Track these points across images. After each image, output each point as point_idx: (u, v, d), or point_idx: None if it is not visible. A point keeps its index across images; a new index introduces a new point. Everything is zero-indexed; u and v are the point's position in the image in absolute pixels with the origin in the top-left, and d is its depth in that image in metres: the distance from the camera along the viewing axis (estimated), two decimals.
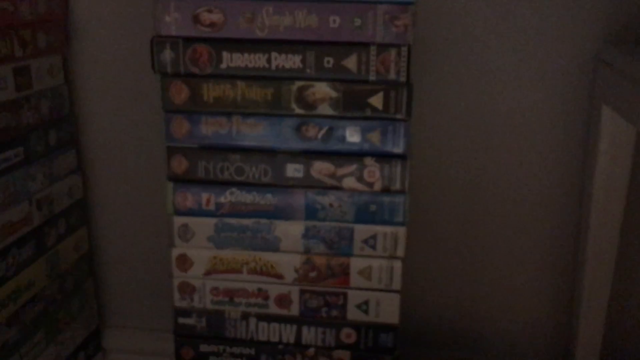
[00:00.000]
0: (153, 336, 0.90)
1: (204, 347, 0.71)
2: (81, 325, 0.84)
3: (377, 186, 0.64)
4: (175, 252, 0.68)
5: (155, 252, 0.87)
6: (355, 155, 0.64)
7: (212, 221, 0.67)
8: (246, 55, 0.61)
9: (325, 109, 0.62)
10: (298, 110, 0.63)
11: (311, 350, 0.69)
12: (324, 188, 0.65)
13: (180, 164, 0.66)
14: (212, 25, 0.61)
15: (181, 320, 0.70)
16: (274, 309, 0.69)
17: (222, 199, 0.66)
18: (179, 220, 0.67)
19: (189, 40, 0.61)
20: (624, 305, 0.81)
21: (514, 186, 0.79)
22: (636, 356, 0.83)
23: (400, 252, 0.66)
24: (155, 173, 0.83)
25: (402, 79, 0.61)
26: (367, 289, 0.67)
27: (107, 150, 0.84)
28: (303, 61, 0.61)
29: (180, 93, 0.63)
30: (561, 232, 0.80)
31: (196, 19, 0.61)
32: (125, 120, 0.82)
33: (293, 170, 0.65)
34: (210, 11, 0.61)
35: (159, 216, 0.85)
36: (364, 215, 0.65)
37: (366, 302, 0.67)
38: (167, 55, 0.62)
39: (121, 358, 0.91)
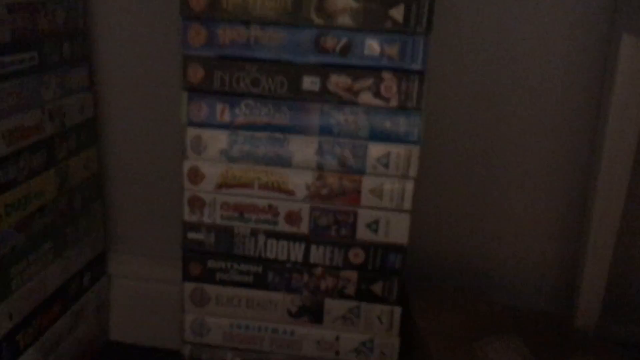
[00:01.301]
0: (159, 263, 0.90)
1: (211, 263, 0.71)
2: (88, 245, 0.84)
3: (394, 102, 0.64)
4: (187, 165, 0.68)
5: (164, 176, 0.87)
6: (373, 70, 0.63)
7: (226, 134, 0.67)
8: None
9: (345, 20, 0.62)
10: (317, 21, 0.62)
11: (318, 269, 0.70)
12: (340, 102, 0.64)
13: (196, 74, 0.65)
14: None
15: (190, 235, 0.70)
16: (283, 226, 0.69)
17: (236, 111, 0.66)
18: (192, 132, 0.67)
19: None
20: (631, 243, 0.81)
21: (528, 114, 0.79)
22: None
23: (412, 172, 0.66)
24: (168, 91, 0.82)
25: None
26: (377, 208, 0.67)
27: (119, 68, 0.83)
28: None
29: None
30: (571, 168, 0.80)
31: None
32: (140, 34, 0.81)
33: (309, 82, 0.64)
34: None
35: (168, 138, 0.84)
36: (378, 133, 0.65)
37: (376, 222, 0.67)
38: None
39: (126, 283, 0.91)
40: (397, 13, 0.61)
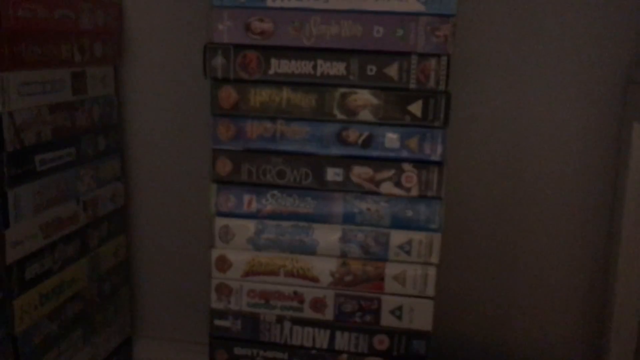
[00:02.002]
0: (185, 348, 0.91)
1: (238, 350, 0.72)
2: (115, 331, 0.85)
3: (414, 192, 0.66)
4: (215, 253, 0.70)
5: (190, 263, 0.89)
6: (394, 161, 0.66)
7: (253, 223, 0.69)
8: (293, 62, 0.65)
9: (366, 115, 0.65)
10: (340, 116, 0.66)
11: (344, 356, 0.70)
12: (363, 192, 0.67)
13: (224, 166, 0.69)
14: (262, 33, 0.65)
15: (217, 322, 0.72)
16: (308, 313, 0.70)
17: (263, 201, 0.68)
18: (220, 222, 0.70)
19: (239, 47, 0.65)
20: None
21: (545, 200, 0.81)
22: None
23: (434, 258, 0.67)
24: (195, 183, 0.86)
25: (441, 87, 0.64)
26: (401, 295, 0.68)
27: (149, 160, 0.87)
28: (347, 68, 0.64)
29: (229, 97, 0.67)
30: (593, 248, 0.81)
31: (248, 27, 0.65)
32: (169, 129, 0.86)
33: (333, 174, 0.67)
34: (261, 20, 0.64)
35: (196, 227, 0.87)
36: (400, 221, 0.67)
37: (400, 308, 0.68)
38: (219, 60, 0.66)
39: None
40: (416, 108, 0.64)
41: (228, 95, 0.67)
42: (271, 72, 0.65)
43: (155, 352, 0.92)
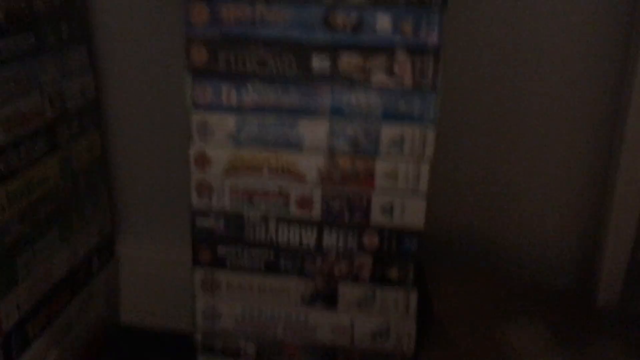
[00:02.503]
0: (168, 245, 0.89)
1: (221, 250, 0.69)
2: (94, 229, 0.82)
3: (408, 81, 0.61)
4: (193, 150, 0.65)
5: (170, 159, 0.84)
6: (386, 48, 0.60)
7: (233, 117, 0.64)
8: None
9: None
10: None
11: (332, 254, 0.68)
12: (352, 82, 0.61)
13: (199, 55, 0.62)
14: None
15: (199, 221, 0.68)
16: (294, 211, 0.66)
17: (243, 93, 0.63)
18: (198, 117, 0.64)
19: None
20: None
21: (545, 86, 0.76)
22: None
23: (428, 153, 0.63)
24: (171, 74, 0.79)
25: None
26: (392, 192, 0.65)
27: (120, 49, 0.80)
28: None
29: None
30: (592, 141, 0.77)
31: None
32: (140, 14, 0.78)
33: (319, 62, 0.61)
34: None
35: (174, 119, 0.82)
36: (392, 114, 0.62)
37: (391, 205, 0.65)
38: None
39: (135, 266, 0.89)
40: None
41: None
42: None
43: (138, 250, 0.89)
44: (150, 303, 0.90)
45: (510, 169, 0.80)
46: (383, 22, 0.59)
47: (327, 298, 0.69)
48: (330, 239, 0.67)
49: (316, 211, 0.66)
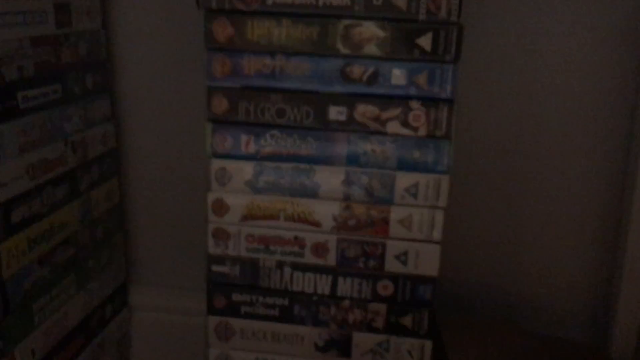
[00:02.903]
0: (182, 294, 0.89)
1: (236, 297, 0.69)
2: (110, 277, 0.83)
3: (422, 131, 0.62)
4: (211, 197, 0.67)
5: (186, 207, 0.86)
6: (401, 99, 0.62)
7: (251, 165, 0.65)
8: None
9: (371, 50, 0.61)
10: (344, 51, 0.61)
11: (346, 302, 0.68)
12: (367, 132, 0.63)
13: (220, 105, 0.65)
14: None
15: (215, 267, 0.69)
16: (310, 258, 0.67)
17: (262, 142, 0.65)
18: (216, 164, 0.66)
19: None
20: None
21: (558, 140, 0.77)
22: None
23: (442, 201, 0.64)
24: (191, 123, 0.82)
25: (453, 18, 0.59)
26: (407, 239, 0.65)
27: (141, 99, 0.83)
28: None
29: (224, 30, 0.62)
30: (603, 193, 0.78)
31: None
32: (161, 66, 0.81)
33: (336, 112, 0.63)
34: None
35: (192, 170, 0.83)
36: (406, 162, 0.64)
37: (405, 253, 0.66)
38: None
39: (147, 315, 0.90)
40: (425, 42, 0.60)
41: (223, 27, 0.62)
42: (269, 2, 0.60)
43: (151, 299, 0.90)
44: (162, 352, 0.89)
45: (525, 220, 0.80)
46: (398, 74, 0.61)
47: (342, 346, 0.69)
48: (344, 287, 0.68)
49: (331, 258, 0.67)
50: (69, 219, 0.72)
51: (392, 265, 0.66)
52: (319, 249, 0.67)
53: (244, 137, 0.65)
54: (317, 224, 0.66)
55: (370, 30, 0.60)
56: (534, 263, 0.81)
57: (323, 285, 0.68)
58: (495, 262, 0.82)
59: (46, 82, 0.66)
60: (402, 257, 0.66)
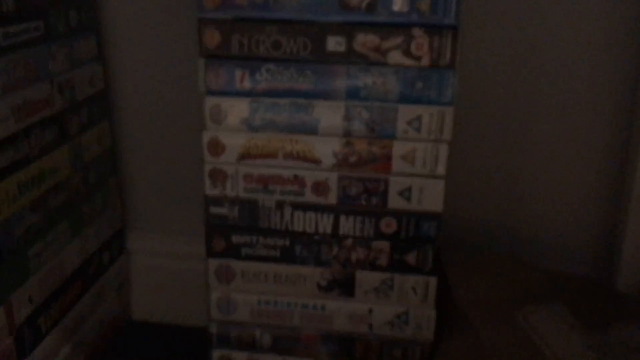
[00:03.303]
0: (179, 238, 0.88)
1: (236, 238, 0.68)
2: (105, 222, 0.81)
3: (425, 60, 0.60)
4: (206, 136, 0.64)
5: (181, 148, 0.83)
6: (402, 27, 0.59)
7: (246, 101, 0.63)
8: None
9: None
10: None
11: (349, 241, 0.66)
12: (368, 64, 0.60)
13: (212, 38, 0.61)
14: None
15: (212, 209, 0.67)
16: (310, 197, 0.65)
17: (257, 77, 0.62)
18: (210, 101, 0.63)
19: None
20: None
21: (563, 75, 0.75)
22: None
23: (446, 134, 0.62)
24: (182, 59, 0.78)
25: None
26: (410, 175, 0.63)
27: (128, 37, 0.79)
28: None
29: None
30: (609, 125, 0.76)
31: None
32: (148, 2, 0.77)
33: (334, 43, 0.60)
34: None
35: (184, 107, 0.81)
36: (409, 94, 0.61)
37: (409, 189, 0.64)
38: None
39: (146, 260, 0.88)
40: None
41: None
42: None
43: (149, 244, 0.88)
44: (162, 297, 0.89)
45: (529, 156, 0.79)
46: (399, 0, 0.58)
47: (344, 286, 0.67)
48: (346, 225, 0.66)
49: (332, 197, 0.65)
50: (59, 164, 0.69)
51: (395, 202, 0.64)
52: (320, 187, 0.65)
53: (238, 72, 0.62)
54: (317, 161, 0.64)
55: None
56: (539, 198, 0.80)
57: (324, 224, 0.66)
58: (500, 198, 0.80)
59: (27, 18, 0.62)
60: (406, 193, 0.64)
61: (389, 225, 0.65)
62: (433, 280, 0.66)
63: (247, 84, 0.62)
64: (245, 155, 0.65)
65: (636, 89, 0.73)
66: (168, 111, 0.82)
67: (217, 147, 0.65)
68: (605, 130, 0.76)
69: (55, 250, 0.70)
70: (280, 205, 0.66)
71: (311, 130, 0.63)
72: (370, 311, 0.68)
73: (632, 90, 0.74)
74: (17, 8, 0.61)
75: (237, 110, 0.63)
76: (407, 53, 0.59)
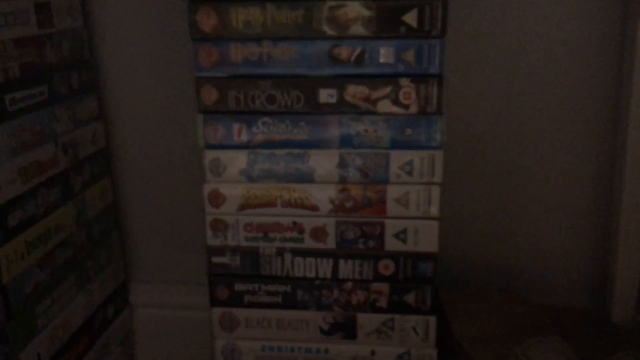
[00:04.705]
0: (182, 289, 0.89)
1: (238, 286, 0.69)
2: (109, 277, 0.83)
3: (413, 108, 0.63)
4: (207, 188, 0.67)
5: (182, 201, 0.85)
6: (390, 77, 0.62)
7: (244, 153, 0.65)
8: None
9: (357, 30, 0.61)
10: (330, 32, 0.61)
11: (349, 284, 0.68)
12: (359, 113, 0.63)
13: (209, 95, 0.64)
14: None
15: (214, 259, 0.69)
16: (309, 243, 0.67)
17: (254, 130, 0.65)
18: (210, 154, 0.66)
19: None
20: None
21: (549, 111, 0.78)
22: None
23: (437, 177, 0.64)
24: (181, 115, 0.81)
25: None
26: (404, 217, 0.66)
27: (128, 96, 0.82)
28: None
29: (208, 19, 0.62)
30: (596, 161, 0.78)
31: None
32: (147, 60, 0.80)
33: (326, 95, 0.63)
34: None
35: (185, 163, 0.83)
36: (399, 140, 0.64)
37: (404, 231, 0.66)
38: None
39: (150, 312, 0.89)
40: (411, 18, 0.60)
41: (207, 16, 0.62)
42: None
43: (152, 295, 0.89)
44: (167, 348, 0.89)
45: (520, 192, 0.81)
46: (385, 53, 0.61)
47: (346, 328, 0.69)
48: (346, 269, 0.68)
49: (331, 242, 0.67)
50: (64, 221, 0.71)
51: (391, 244, 0.66)
52: (318, 233, 0.67)
53: (235, 126, 0.65)
54: (314, 208, 0.66)
55: (355, 10, 0.60)
56: (531, 234, 0.82)
57: (324, 268, 0.68)
58: (493, 235, 0.82)
59: (32, 83, 0.65)
60: (402, 236, 0.66)
61: (386, 267, 0.67)
62: (433, 320, 0.68)
63: (244, 137, 0.65)
64: (245, 205, 0.67)
65: (618, 120, 0.76)
66: (168, 165, 0.84)
67: (217, 199, 0.67)
68: (592, 163, 0.79)
69: (62, 306, 0.71)
70: (280, 252, 0.68)
71: (308, 178, 0.65)
72: (373, 353, 0.69)
73: (616, 122, 0.77)
74: (22, 74, 0.64)
75: (235, 162, 0.66)
76: (396, 102, 0.62)
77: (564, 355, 0.64)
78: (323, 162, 0.65)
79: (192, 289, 0.88)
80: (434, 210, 0.65)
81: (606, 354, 0.66)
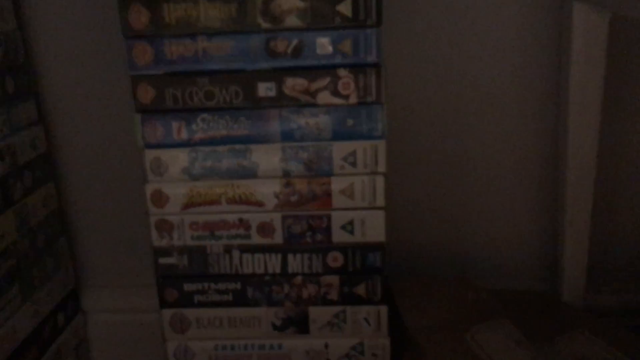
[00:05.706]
0: (134, 292, 0.87)
1: (188, 287, 0.68)
2: (57, 284, 0.81)
3: (353, 99, 0.62)
4: (149, 188, 0.65)
5: (126, 203, 0.84)
6: (328, 68, 0.62)
7: (186, 152, 0.64)
8: None
9: (293, 21, 0.60)
10: (265, 25, 0.60)
11: (298, 279, 0.68)
12: (299, 106, 0.63)
13: (146, 94, 0.63)
14: None
15: (161, 260, 0.68)
16: (256, 239, 0.67)
17: (193, 127, 0.64)
18: (150, 154, 0.65)
19: None
20: (608, 212, 0.81)
21: (490, 97, 0.78)
22: (623, 262, 0.83)
23: (381, 167, 0.64)
24: (120, 115, 0.79)
25: None
26: (350, 209, 0.65)
27: (67, 99, 0.80)
28: None
29: (139, 16, 0.60)
30: (540, 144, 0.79)
31: None
32: (84, 61, 0.79)
33: (265, 89, 0.62)
34: None
35: (127, 164, 0.81)
36: (341, 131, 0.63)
37: (351, 222, 0.66)
38: None
39: (102, 318, 0.88)
40: (345, 8, 0.59)
41: (139, 13, 0.60)
42: None
43: (105, 301, 0.88)
44: (122, 352, 0.88)
45: (468, 179, 0.81)
46: (322, 44, 0.61)
47: (299, 323, 0.68)
48: (295, 263, 0.67)
49: (278, 237, 0.66)
50: (4, 229, 0.69)
51: (339, 236, 0.66)
52: (265, 229, 0.66)
53: (174, 124, 0.64)
54: (260, 204, 0.66)
55: (289, 1, 0.60)
56: (480, 220, 0.83)
57: (273, 264, 0.68)
58: (443, 222, 0.83)
59: None
60: (348, 227, 0.66)
61: (335, 259, 0.67)
62: (384, 310, 0.68)
63: (184, 135, 0.64)
64: (189, 204, 0.66)
65: (559, 102, 0.77)
66: (112, 166, 0.82)
67: (160, 199, 0.66)
68: (538, 146, 0.79)
69: (6, 317, 0.69)
70: (228, 249, 0.67)
71: (251, 174, 0.65)
72: (327, 346, 0.69)
73: (557, 104, 0.77)
74: None
75: (177, 160, 0.65)
76: (335, 93, 0.62)
77: (512, 337, 0.64)
78: (266, 157, 0.64)
79: (144, 292, 0.86)
80: (380, 200, 0.65)
81: (555, 333, 0.67)
